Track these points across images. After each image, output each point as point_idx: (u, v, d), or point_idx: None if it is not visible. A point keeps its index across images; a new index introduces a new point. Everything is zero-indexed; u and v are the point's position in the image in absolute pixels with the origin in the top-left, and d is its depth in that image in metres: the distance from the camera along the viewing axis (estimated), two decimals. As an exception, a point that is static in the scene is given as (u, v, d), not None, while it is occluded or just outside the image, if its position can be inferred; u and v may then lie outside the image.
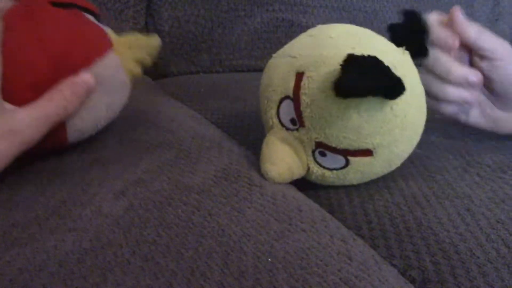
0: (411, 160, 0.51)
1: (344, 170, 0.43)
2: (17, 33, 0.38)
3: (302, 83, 0.41)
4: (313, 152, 0.43)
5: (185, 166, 0.42)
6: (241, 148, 0.50)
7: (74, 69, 0.39)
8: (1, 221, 0.31)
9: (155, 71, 0.89)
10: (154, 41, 0.47)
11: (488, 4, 1.20)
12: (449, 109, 0.52)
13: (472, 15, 1.16)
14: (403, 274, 0.36)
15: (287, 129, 0.43)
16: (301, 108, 0.41)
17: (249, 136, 0.60)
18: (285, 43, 0.51)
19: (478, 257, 0.36)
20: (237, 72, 0.93)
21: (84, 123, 0.42)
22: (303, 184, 0.47)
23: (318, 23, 0.51)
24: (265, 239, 0.32)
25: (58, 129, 0.39)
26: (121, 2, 0.84)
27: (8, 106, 0.36)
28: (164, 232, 0.31)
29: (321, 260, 0.30)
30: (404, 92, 0.36)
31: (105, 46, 0.43)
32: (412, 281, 0.35)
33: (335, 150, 0.41)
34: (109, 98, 0.43)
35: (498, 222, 0.40)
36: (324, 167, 0.43)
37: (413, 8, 0.48)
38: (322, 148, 0.42)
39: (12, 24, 0.38)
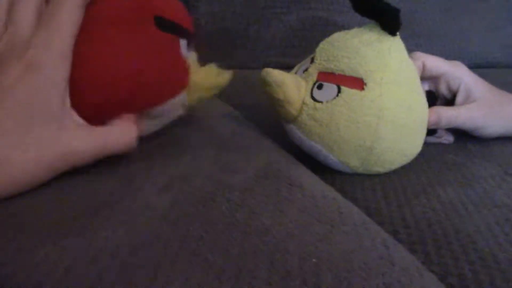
0: (448, 167, 0.51)
1: (334, 101, 0.45)
2: (110, 45, 0.37)
3: None
4: (313, 86, 0.47)
5: (225, 164, 0.42)
6: (278, 146, 0.51)
7: (145, 103, 0.40)
8: (55, 212, 0.32)
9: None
10: (225, 80, 0.48)
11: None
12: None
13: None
14: (441, 280, 0.36)
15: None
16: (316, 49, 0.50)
17: (284, 134, 0.61)
18: (320, 41, 0.52)
19: (518, 268, 0.36)
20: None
21: None
22: (341, 187, 0.47)
23: (354, 23, 0.52)
24: (309, 240, 0.32)
25: None
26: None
27: (78, 119, 0.36)
28: (210, 228, 0.32)
29: (365, 264, 0.31)
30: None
31: (181, 87, 0.42)
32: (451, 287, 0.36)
33: (331, 78, 0.46)
34: (160, 124, 0.45)
35: (537, 233, 0.40)
36: (317, 101, 0.46)
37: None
38: (321, 80, 0.47)
39: (105, 30, 0.37)
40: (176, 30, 0.41)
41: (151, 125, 0.44)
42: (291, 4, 0.92)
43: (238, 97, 0.73)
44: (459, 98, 0.56)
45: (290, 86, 0.47)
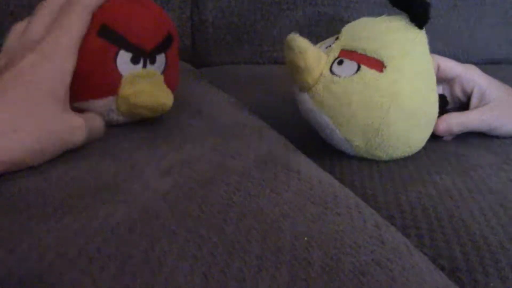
0: (446, 157, 0.52)
1: (352, 77, 0.47)
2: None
3: None
4: (334, 61, 0.49)
5: (227, 150, 0.44)
6: (280, 135, 0.52)
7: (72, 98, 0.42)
8: (58, 192, 0.34)
9: (197, 60, 0.92)
10: (159, 105, 0.45)
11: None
12: None
13: None
14: (433, 262, 0.37)
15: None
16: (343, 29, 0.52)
17: (287, 126, 0.62)
18: (326, 37, 0.54)
19: (508, 250, 0.37)
20: (277, 64, 0.94)
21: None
22: (340, 174, 0.48)
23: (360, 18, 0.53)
24: (302, 220, 0.34)
25: None
26: (168, -8, 0.87)
27: (69, 110, 0.41)
28: (207, 209, 0.34)
29: (355, 242, 0.32)
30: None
31: (105, 92, 0.44)
32: (442, 269, 0.37)
33: (353, 56, 0.48)
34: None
35: (530, 218, 0.41)
36: (335, 75, 0.48)
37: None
38: (342, 56, 0.49)
39: None
40: (116, 41, 0.43)
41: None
42: (297, 0, 0.93)
43: (243, 91, 0.74)
44: (473, 101, 0.57)
45: (312, 55, 0.48)
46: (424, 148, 0.52)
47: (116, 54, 0.43)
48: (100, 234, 0.30)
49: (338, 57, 0.49)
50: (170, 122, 0.49)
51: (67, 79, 0.40)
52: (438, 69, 0.56)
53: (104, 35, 0.43)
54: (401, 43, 0.47)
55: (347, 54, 0.49)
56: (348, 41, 0.50)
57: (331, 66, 0.49)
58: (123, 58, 0.44)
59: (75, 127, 0.39)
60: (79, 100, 0.44)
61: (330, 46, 0.51)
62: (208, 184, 0.37)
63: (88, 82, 0.43)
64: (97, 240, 0.29)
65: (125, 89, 0.44)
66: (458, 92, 0.58)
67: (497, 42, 1.14)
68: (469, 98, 0.57)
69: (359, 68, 0.47)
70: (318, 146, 0.55)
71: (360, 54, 0.48)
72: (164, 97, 0.45)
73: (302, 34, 0.95)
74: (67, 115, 0.39)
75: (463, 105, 0.59)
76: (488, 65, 1.13)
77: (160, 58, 0.47)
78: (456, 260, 0.37)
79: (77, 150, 0.41)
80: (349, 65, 0.48)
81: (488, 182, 0.46)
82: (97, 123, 0.43)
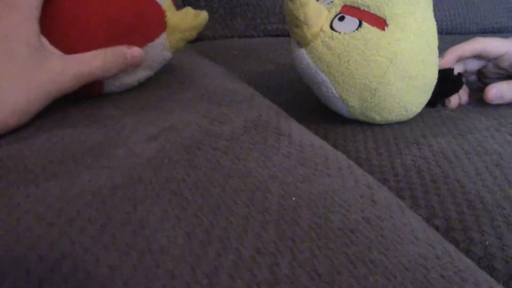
0: (442, 120, 0.51)
1: (352, 33, 0.46)
2: None
3: None
4: (334, 17, 0.47)
5: (216, 116, 0.42)
6: (271, 103, 0.51)
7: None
8: (41, 158, 0.33)
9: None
10: (203, 20, 0.48)
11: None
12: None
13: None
14: (427, 222, 0.36)
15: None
16: None
17: (281, 95, 0.61)
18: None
19: (504, 208, 0.36)
20: (272, 37, 0.93)
21: (121, 84, 0.45)
22: (333, 139, 0.47)
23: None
24: (291, 181, 0.33)
25: (94, 83, 0.41)
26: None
27: (54, 51, 0.38)
28: (192, 172, 0.33)
29: (345, 201, 0.31)
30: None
31: (159, 29, 0.44)
32: (436, 229, 0.36)
33: (355, 12, 0.46)
34: (149, 71, 0.47)
35: (527, 177, 0.40)
36: (335, 31, 0.46)
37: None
38: (344, 12, 0.47)
39: None
40: None
41: (139, 74, 0.46)
42: (290, -30, 0.92)
43: (235, 63, 0.72)
44: None
45: (313, 8, 0.46)
46: (420, 113, 0.51)
47: None
48: (81, 198, 0.29)
49: (339, 13, 0.47)
50: (160, 91, 0.48)
51: (36, 26, 0.37)
52: (486, 51, 0.56)
53: None
54: (406, 2, 0.46)
55: (349, 10, 0.47)
56: None
57: (331, 22, 0.47)
58: None
59: (60, 72, 0.38)
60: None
61: (332, 1, 0.49)
62: (195, 149, 0.36)
63: (143, 26, 0.42)
64: (78, 203, 0.28)
65: (172, 19, 0.45)
66: (506, 65, 0.58)
67: (497, 11, 1.11)
68: None
69: (360, 24, 0.46)
70: (312, 113, 0.54)
71: (363, 11, 0.46)
72: (199, 12, 0.48)
73: (296, 5, 0.93)
74: (47, 62, 0.37)
75: (507, 78, 0.58)
76: (488, 34, 1.12)
77: None
78: (450, 219, 0.36)
79: (61, 117, 0.40)
80: (351, 21, 0.46)
81: (484, 144, 0.45)
82: (87, 65, 0.40)
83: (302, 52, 0.49)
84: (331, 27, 0.47)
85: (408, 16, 0.46)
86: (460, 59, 0.56)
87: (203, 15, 0.48)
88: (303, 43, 0.48)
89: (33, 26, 0.37)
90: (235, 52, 0.79)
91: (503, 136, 0.47)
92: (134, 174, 0.32)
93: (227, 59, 0.77)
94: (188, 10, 0.48)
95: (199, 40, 0.91)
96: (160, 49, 0.45)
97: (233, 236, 0.26)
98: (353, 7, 0.47)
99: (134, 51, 0.42)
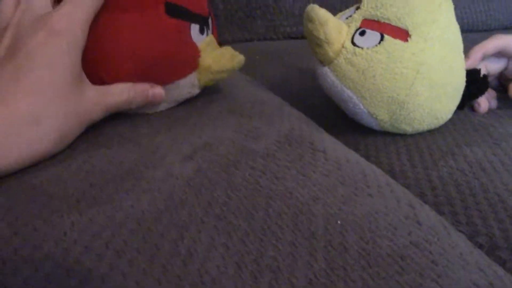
0: (474, 128, 0.50)
1: (375, 48, 0.45)
2: (120, 27, 0.40)
3: None
4: (355, 32, 0.47)
5: (248, 131, 0.42)
6: (300, 113, 0.50)
7: (151, 81, 0.43)
8: (80, 182, 0.33)
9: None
10: (238, 64, 0.48)
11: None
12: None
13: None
14: (470, 240, 0.36)
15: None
16: None
17: (306, 101, 0.60)
18: (340, 9, 0.51)
19: (548, 224, 0.35)
20: (291, 39, 0.92)
21: (143, 112, 0.46)
22: (365, 151, 0.47)
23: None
24: (333, 202, 0.32)
25: None
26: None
27: (86, 83, 0.39)
28: (233, 194, 0.32)
29: (390, 224, 0.31)
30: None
31: (190, 68, 0.45)
32: (480, 247, 0.35)
33: (376, 25, 0.46)
34: (173, 104, 0.47)
35: None
36: (357, 46, 0.46)
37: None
38: (365, 27, 0.46)
39: (117, 13, 0.40)
40: (186, 16, 0.43)
41: (163, 105, 0.46)
42: (310, -28, 0.91)
43: (258, 68, 0.72)
44: None
45: (333, 26, 0.46)
46: (451, 119, 0.50)
47: (189, 29, 0.44)
48: (126, 225, 0.29)
49: (360, 28, 0.47)
50: (187, 105, 0.48)
51: (80, 54, 0.38)
52: (508, 48, 0.55)
53: (174, 13, 0.42)
54: (427, 10, 0.45)
55: (369, 23, 0.47)
56: (370, 9, 0.47)
57: (352, 37, 0.47)
58: (194, 31, 0.44)
59: (94, 103, 0.39)
60: (165, 83, 0.44)
61: (351, 16, 0.49)
62: (233, 168, 0.36)
63: (173, 64, 0.43)
64: (124, 232, 0.28)
65: (205, 60, 0.45)
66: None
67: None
68: None
69: (382, 38, 0.45)
70: (340, 122, 0.54)
71: (383, 23, 0.46)
72: (237, 55, 0.48)
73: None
74: (84, 92, 0.38)
75: None
76: (509, 30, 1.11)
77: (210, 21, 0.48)
78: (494, 237, 0.36)
79: (95, 136, 0.40)
80: (372, 36, 0.46)
81: (520, 153, 0.45)
82: (115, 98, 0.41)
83: (326, 70, 0.48)
84: (353, 43, 0.46)
85: (430, 25, 0.45)
86: (484, 57, 0.55)
87: (239, 58, 0.48)
88: (326, 61, 0.48)
89: (77, 55, 0.37)
90: (257, 57, 0.78)
91: (539, 144, 0.46)
92: (176, 197, 0.32)
93: (248, 64, 0.76)
94: (225, 51, 0.48)
95: (218, 45, 0.91)
96: (188, 86, 0.46)
97: (283, 266, 0.26)
98: (373, 20, 0.46)
99: (156, 91, 0.43)
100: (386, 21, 0.46)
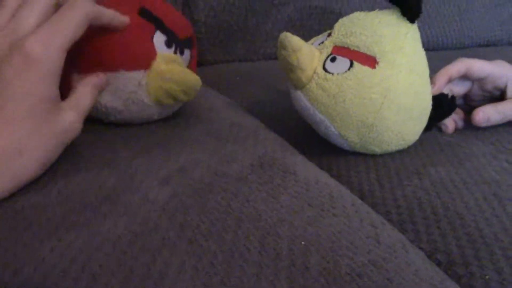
0: (441, 148, 0.53)
1: (345, 74, 0.47)
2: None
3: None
4: (326, 58, 0.49)
5: (224, 155, 0.44)
6: (276, 135, 0.53)
7: (103, 64, 0.45)
8: (60, 207, 0.34)
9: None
10: (193, 82, 0.48)
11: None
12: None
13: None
14: (429, 257, 0.38)
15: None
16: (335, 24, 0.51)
17: (283, 122, 0.62)
18: (318, 30, 0.54)
19: (503, 241, 0.38)
20: (272, 60, 0.95)
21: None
22: (337, 171, 0.49)
23: (350, 10, 0.53)
24: (299, 223, 0.34)
25: None
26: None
27: (62, 104, 0.40)
28: (205, 217, 0.34)
29: (351, 243, 0.33)
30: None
31: (139, 64, 0.46)
32: (438, 263, 0.37)
33: (346, 52, 0.48)
34: (116, 99, 0.47)
35: (524, 207, 0.41)
36: (328, 72, 0.48)
37: None
38: (335, 53, 0.49)
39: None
40: (154, 21, 0.47)
41: (105, 97, 0.47)
42: (287, -5, 0.94)
43: (238, 89, 0.74)
44: (508, 93, 0.58)
45: (305, 53, 0.48)
46: (419, 140, 0.53)
47: (154, 32, 0.47)
48: (102, 249, 0.30)
49: (331, 54, 0.49)
50: (167, 129, 0.50)
51: (57, 79, 0.38)
52: (471, 71, 0.57)
53: (144, 15, 0.46)
54: (394, 38, 0.48)
55: (340, 50, 0.49)
56: (341, 37, 0.50)
57: (324, 63, 0.49)
58: (159, 39, 0.47)
59: (71, 122, 0.39)
60: (109, 69, 0.45)
61: (322, 42, 0.51)
62: (206, 192, 0.38)
63: (123, 52, 0.45)
64: (100, 256, 0.30)
65: (160, 65, 0.46)
66: (490, 88, 0.59)
67: (490, 24, 1.14)
68: (502, 92, 0.59)
69: (352, 64, 0.47)
70: (315, 143, 0.56)
71: (353, 51, 0.48)
72: (195, 76, 0.49)
73: (294, 28, 0.95)
74: (61, 113, 0.39)
75: (496, 99, 0.60)
76: (482, 47, 1.14)
77: (187, 53, 0.51)
78: (452, 254, 0.38)
79: (75, 160, 0.41)
80: (342, 62, 0.48)
81: (482, 173, 0.47)
82: (86, 104, 0.42)
83: (299, 94, 0.51)
84: (324, 69, 0.48)
85: (397, 52, 0.47)
86: (449, 81, 0.57)
87: (195, 77, 0.48)
88: (298, 86, 0.50)
89: (54, 81, 0.37)
90: (238, 78, 0.81)
91: (500, 163, 0.48)
92: (151, 222, 0.33)
93: (229, 84, 0.79)
94: (187, 70, 0.49)
95: (200, 65, 0.93)
96: (134, 83, 0.46)
97: (248, 286, 0.28)
98: (344, 47, 0.49)
99: (101, 76, 0.45)
100: (356, 49, 0.48)
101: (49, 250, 0.30)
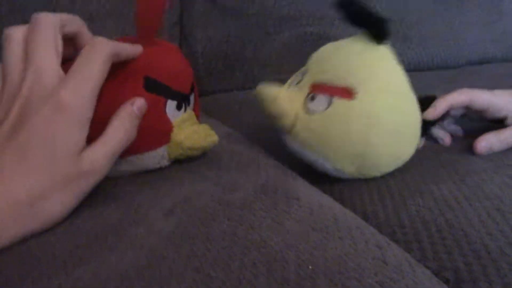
0: (442, 165, 0.53)
1: (326, 112, 0.47)
2: (104, 91, 0.40)
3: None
4: (306, 97, 0.49)
5: (227, 183, 0.45)
6: (277, 162, 0.53)
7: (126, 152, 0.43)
8: (67, 243, 0.35)
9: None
10: (210, 143, 0.49)
11: None
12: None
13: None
14: (436, 275, 0.38)
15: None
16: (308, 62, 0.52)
17: (284, 148, 0.63)
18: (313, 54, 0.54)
19: (509, 255, 0.38)
20: (269, 87, 0.96)
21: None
22: (339, 194, 0.49)
23: (345, 35, 0.54)
24: (305, 248, 0.34)
25: None
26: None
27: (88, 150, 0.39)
28: (211, 246, 0.34)
29: (358, 265, 0.33)
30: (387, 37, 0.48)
31: (160, 142, 0.46)
32: (446, 281, 0.38)
33: (323, 89, 0.48)
34: (140, 170, 0.47)
35: (528, 221, 0.42)
36: (310, 113, 0.48)
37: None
38: (313, 92, 0.48)
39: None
40: (163, 92, 0.45)
41: (130, 170, 0.47)
42: (282, 23, 0.95)
43: (238, 117, 0.75)
44: (508, 122, 0.59)
45: (283, 100, 0.49)
46: (419, 158, 0.53)
47: (165, 104, 0.45)
48: (110, 282, 0.31)
49: (309, 93, 0.49)
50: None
51: (87, 127, 0.38)
52: (473, 102, 0.58)
53: (151, 88, 0.44)
54: (367, 64, 0.47)
55: (317, 88, 0.49)
56: (316, 74, 0.49)
57: (305, 102, 0.49)
58: (171, 107, 0.46)
59: (95, 171, 0.38)
60: (135, 154, 0.45)
61: (300, 82, 0.51)
62: (211, 221, 0.38)
63: (144, 137, 0.44)
64: (108, 290, 0.30)
65: (177, 135, 0.46)
66: (489, 117, 0.60)
67: (483, 42, 1.15)
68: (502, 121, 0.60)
69: (331, 100, 0.47)
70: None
71: (329, 86, 0.48)
72: (211, 135, 0.49)
73: (290, 54, 0.96)
74: (86, 162, 0.38)
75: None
76: (476, 65, 1.15)
77: (192, 99, 0.51)
78: (459, 271, 0.38)
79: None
80: (321, 99, 0.48)
81: (484, 188, 0.47)
82: (119, 135, 0.40)
83: (288, 138, 0.51)
84: (307, 108, 0.48)
85: (373, 77, 0.47)
86: (450, 109, 0.58)
87: (213, 138, 0.49)
88: (285, 130, 0.51)
89: (83, 129, 0.38)
90: (237, 107, 0.82)
91: (502, 178, 0.49)
92: (157, 253, 0.34)
93: (228, 113, 0.80)
94: (201, 129, 0.49)
95: (199, 95, 0.94)
96: (158, 159, 0.47)
97: (257, 313, 0.28)
98: (321, 84, 0.49)
99: (137, 103, 0.42)
100: (332, 83, 0.48)
101: (57, 286, 0.30)
